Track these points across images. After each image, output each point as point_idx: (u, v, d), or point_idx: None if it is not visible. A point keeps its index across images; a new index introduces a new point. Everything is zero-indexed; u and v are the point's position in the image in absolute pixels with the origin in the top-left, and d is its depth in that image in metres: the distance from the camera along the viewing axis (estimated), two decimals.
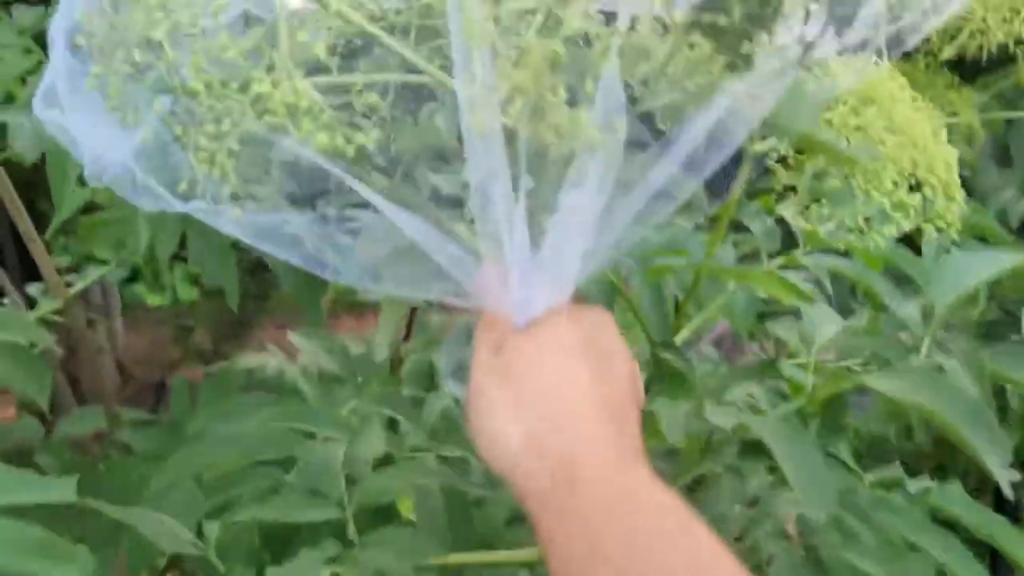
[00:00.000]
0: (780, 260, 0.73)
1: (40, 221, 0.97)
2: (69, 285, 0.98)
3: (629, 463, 0.43)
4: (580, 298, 0.53)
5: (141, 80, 0.42)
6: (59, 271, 1.15)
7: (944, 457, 1.13)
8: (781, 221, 0.74)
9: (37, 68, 0.94)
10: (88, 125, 0.50)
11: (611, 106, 0.41)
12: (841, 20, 0.42)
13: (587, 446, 0.43)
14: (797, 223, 0.66)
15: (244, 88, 0.41)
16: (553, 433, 0.44)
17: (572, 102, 0.41)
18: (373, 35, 0.45)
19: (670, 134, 0.47)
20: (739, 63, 0.41)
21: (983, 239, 0.80)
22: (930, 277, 0.66)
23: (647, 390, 0.76)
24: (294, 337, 1.02)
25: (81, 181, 0.85)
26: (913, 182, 0.55)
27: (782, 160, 0.57)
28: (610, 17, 0.40)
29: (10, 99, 0.93)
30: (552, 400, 0.45)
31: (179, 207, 0.50)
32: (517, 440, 0.44)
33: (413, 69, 0.48)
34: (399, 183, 0.56)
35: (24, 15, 1.01)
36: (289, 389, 0.98)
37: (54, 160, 0.87)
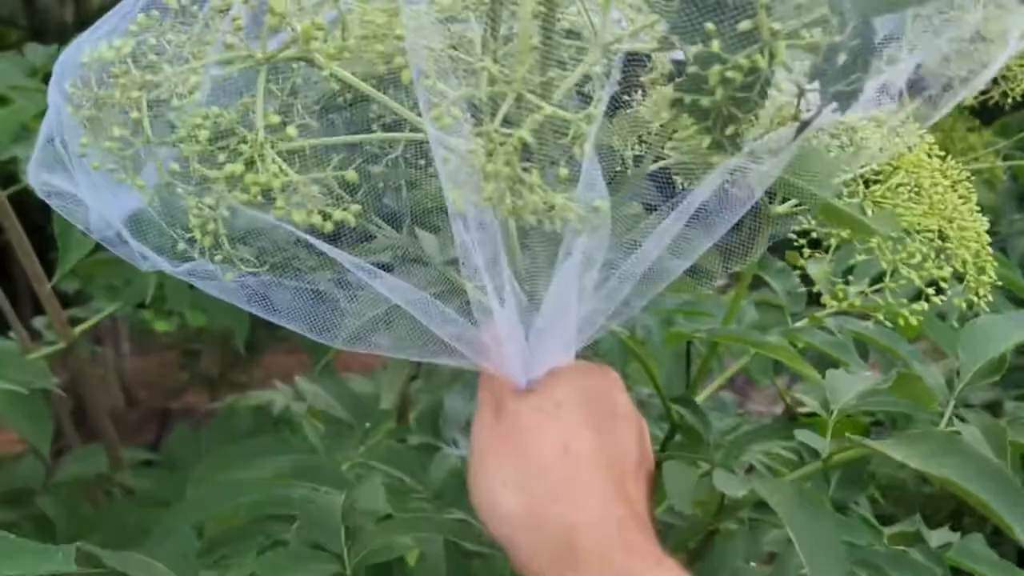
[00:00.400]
0: (804, 321, 0.70)
1: (47, 260, 0.98)
2: (75, 322, 0.99)
3: (631, 537, 0.42)
4: (589, 356, 0.52)
5: (125, 155, 0.42)
6: (67, 297, 1.16)
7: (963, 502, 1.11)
8: (806, 276, 0.72)
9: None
10: (87, 185, 0.50)
11: (592, 189, 0.39)
12: (840, 97, 0.40)
13: (587, 518, 0.42)
14: (823, 287, 0.63)
15: (219, 167, 0.41)
16: (552, 504, 0.42)
17: (553, 184, 0.39)
18: (365, 92, 0.44)
19: (669, 197, 0.46)
20: (725, 143, 0.39)
21: (1009, 293, 0.76)
22: (957, 342, 0.63)
23: (663, 448, 0.75)
24: (301, 381, 1.02)
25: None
26: (943, 255, 0.53)
27: (805, 233, 0.55)
28: (587, 99, 0.38)
29: (26, 130, 0.95)
30: (551, 468, 0.43)
31: (174, 271, 0.51)
32: (516, 510, 0.43)
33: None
34: (404, 239, 0.56)
35: (37, 54, 1.03)
36: (296, 428, 0.98)
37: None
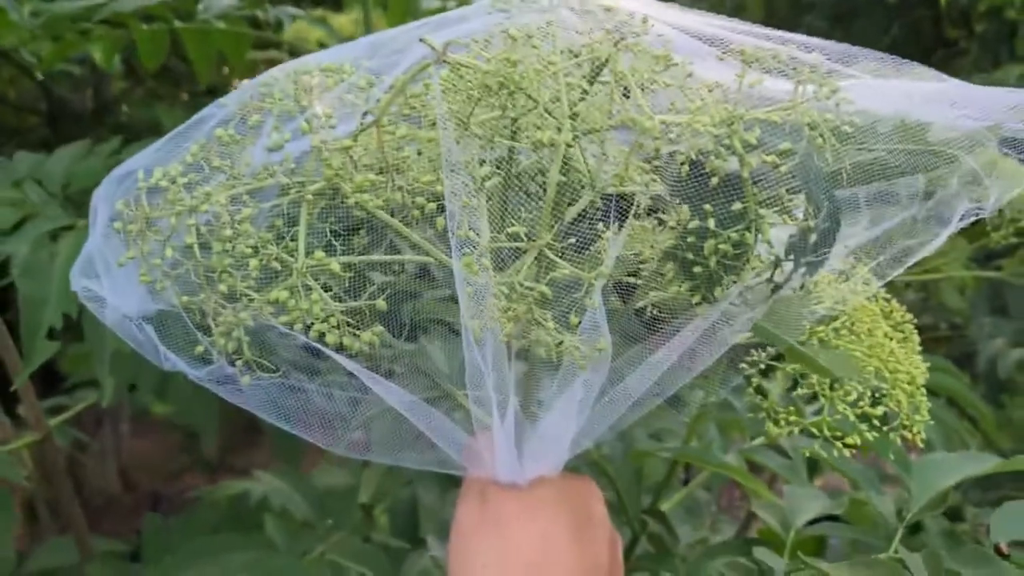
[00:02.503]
0: (760, 440, 0.76)
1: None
2: (62, 409, 0.99)
3: None
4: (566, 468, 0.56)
5: (173, 273, 0.46)
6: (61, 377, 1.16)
7: None
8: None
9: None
10: (118, 293, 0.54)
11: (596, 332, 0.45)
12: (810, 266, 0.46)
13: None
14: (769, 415, 0.69)
15: (263, 291, 0.45)
16: None
17: (561, 324, 0.45)
18: (388, 222, 0.49)
19: (660, 333, 0.51)
20: (709, 297, 0.45)
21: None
22: (909, 474, 0.69)
23: (626, 557, 0.78)
24: (266, 477, 1.03)
25: (51, 334, 0.90)
26: (878, 394, 0.59)
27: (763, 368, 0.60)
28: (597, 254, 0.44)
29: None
30: (529, 556, 0.47)
31: (194, 374, 0.54)
32: None
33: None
34: (409, 348, 0.60)
35: (23, 162, 1.07)
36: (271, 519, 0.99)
37: (28, 313, 0.90)
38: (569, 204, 0.45)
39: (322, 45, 1.64)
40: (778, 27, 0.49)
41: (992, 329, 1.61)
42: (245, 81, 0.49)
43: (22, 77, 1.74)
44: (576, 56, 0.43)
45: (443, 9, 1.33)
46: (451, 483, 1.12)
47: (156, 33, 1.21)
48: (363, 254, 0.50)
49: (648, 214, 0.49)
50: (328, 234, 0.51)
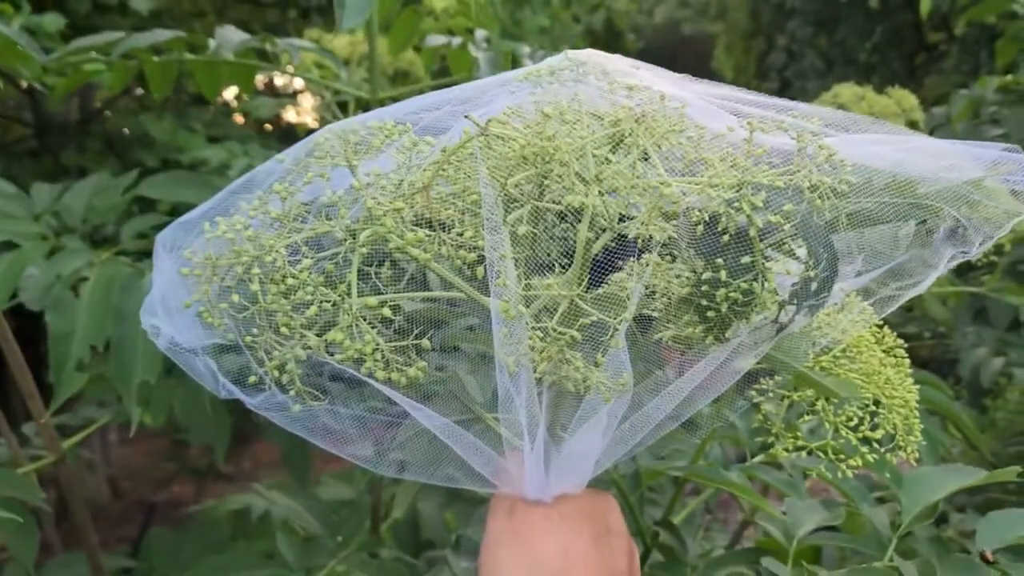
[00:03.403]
0: (762, 457, 0.81)
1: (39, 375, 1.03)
2: (63, 429, 1.01)
3: None
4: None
5: (239, 316, 0.52)
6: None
7: None
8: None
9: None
10: (181, 329, 0.59)
11: (620, 368, 0.50)
12: (811, 309, 0.51)
13: None
14: (777, 439, 0.74)
15: (320, 333, 0.50)
16: None
17: (588, 361, 0.50)
18: (428, 264, 0.54)
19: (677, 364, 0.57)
20: (721, 338, 0.51)
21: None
22: (901, 488, 0.74)
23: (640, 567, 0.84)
24: (273, 494, 1.07)
25: (80, 366, 0.94)
26: (876, 418, 0.64)
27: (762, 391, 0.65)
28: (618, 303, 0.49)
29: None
30: (552, 564, 0.53)
31: (250, 402, 0.59)
32: None
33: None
34: (440, 378, 0.65)
35: (42, 195, 1.11)
36: (273, 534, 1.02)
37: (56, 346, 0.95)
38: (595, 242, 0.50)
39: (318, 66, 1.69)
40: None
41: (975, 338, 1.67)
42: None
43: (8, 87, 1.76)
44: (602, 120, 0.48)
45: (447, 46, 1.38)
46: (451, 497, 1.17)
47: (166, 65, 1.25)
48: (393, 283, 0.55)
49: (665, 252, 0.54)
50: (374, 276, 0.56)
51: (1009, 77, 1.93)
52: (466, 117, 0.46)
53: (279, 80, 3.38)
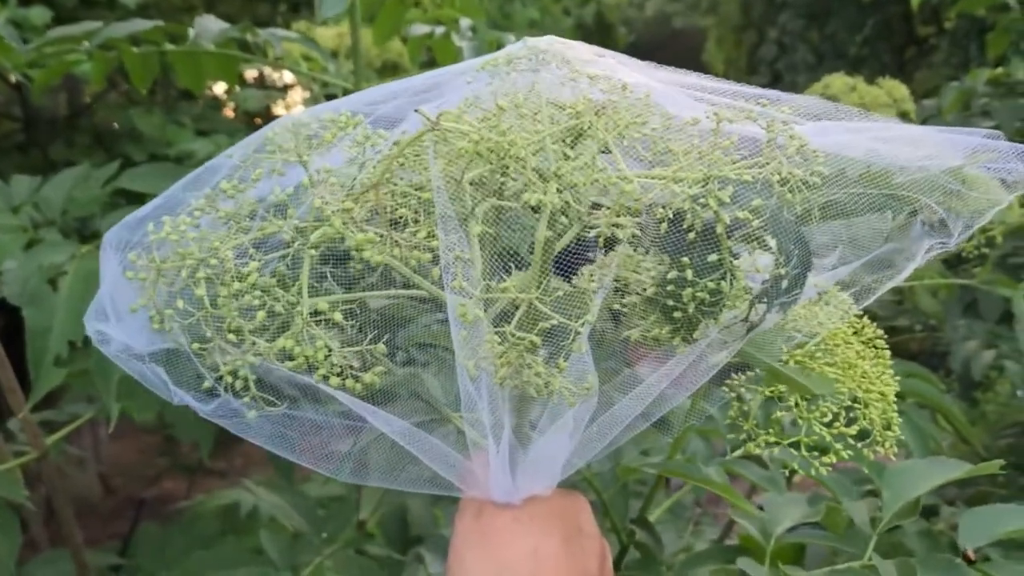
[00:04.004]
0: (740, 452, 0.79)
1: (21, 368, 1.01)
2: (47, 424, 1.00)
3: None
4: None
5: (185, 322, 0.49)
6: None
7: None
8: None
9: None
10: (128, 333, 0.57)
11: (583, 372, 0.48)
12: (783, 305, 0.49)
13: None
14: (749, 434, 0.72)
15: (266, 334, 0.48)
16: None
17: (551, 365, 0.48)
18: (392, 265, 0.52)
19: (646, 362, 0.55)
20: (688, 339, 0.48)
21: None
22: (882, 481, 0.72)
23: (616, 566, 0.82)
24: (260, 490, 1.06)
25: (59, 361, 0.92)
26: (852, 413, 0.62)
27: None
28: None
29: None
30: (521, 566, 0.51)
31: (202, 409, 0.57)
32: None
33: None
34: (401, 377, 0.63)
35: (21, 187, 1.08)
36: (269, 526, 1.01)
37: (34, 341, 0.93)
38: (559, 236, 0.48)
39: (305, 59, 1.66)
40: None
41: (966, 331, 1.67)
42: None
43: None
44: (563, 110, 0.46)
45: (431, 35, 1.35)
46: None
47: (146, 56, 1.23)
48: (358, 279, 0.53)
49: (634, 244, 0.52)
50: (329, 277, 0.54)
51: (1000, 70, 1.92)
52: (416, 111, 0.43)
53: (271, 74, 3.36)
